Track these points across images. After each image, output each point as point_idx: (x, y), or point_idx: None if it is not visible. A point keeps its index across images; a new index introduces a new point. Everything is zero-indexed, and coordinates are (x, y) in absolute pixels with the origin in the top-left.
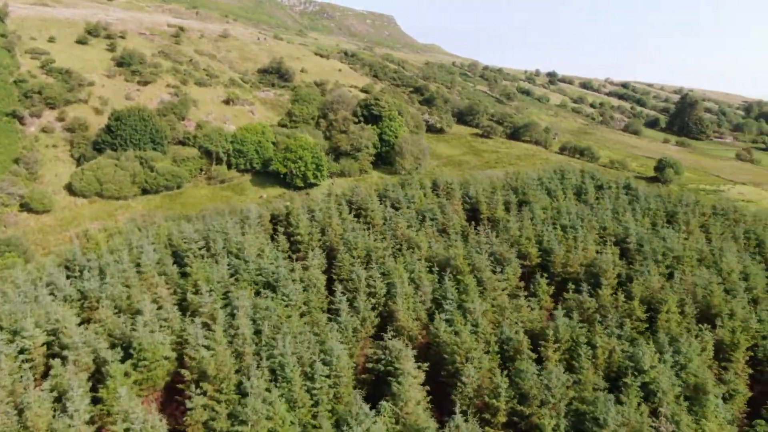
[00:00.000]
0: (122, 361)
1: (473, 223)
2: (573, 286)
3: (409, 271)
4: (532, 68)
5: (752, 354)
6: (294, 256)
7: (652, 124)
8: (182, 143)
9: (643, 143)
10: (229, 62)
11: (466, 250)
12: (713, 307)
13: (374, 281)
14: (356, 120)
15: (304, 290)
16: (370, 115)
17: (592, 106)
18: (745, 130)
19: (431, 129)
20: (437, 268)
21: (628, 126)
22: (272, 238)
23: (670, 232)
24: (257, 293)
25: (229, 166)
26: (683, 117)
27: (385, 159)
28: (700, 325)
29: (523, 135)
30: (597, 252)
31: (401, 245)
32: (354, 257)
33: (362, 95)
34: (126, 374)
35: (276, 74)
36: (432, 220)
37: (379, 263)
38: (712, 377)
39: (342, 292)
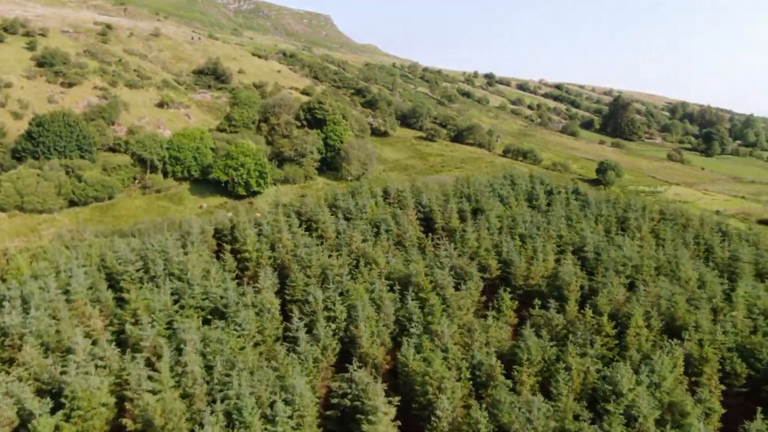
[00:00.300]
0: (52, 412)
1: (429, 234)
2: (539, 302)
3: (369, 291)
4: (470, 70)
5: (719, 367)
6: (244, 279)
7: (587, 125)
8: (113, 150)
9: (581, 145)
10: (161, 63)
11: (426, 264)
12: (678, 320)
13: (333, 304)
14: (299, 124)
15: (256, 315)
16: (313, 118)
17: (529, 107)
18: (672, 131)
19: (375, 132)
20: (398, 287)
21: (565, 128)
22: (217, 256)
23: (624, 239)
24: (205, 321)
25: (165, 175)
26: (616, 118)
27: (330, 164)
28: (670, 341)
29: (467, 138)
30: (557, 263)
31: (358, 261)
32: (308, 276)
33: (304, 98)
34: (57, 429)
35: (212, 76)
36: (387, 231)
37: (336, 282)
38: (690, 399)
39: (299, 318)
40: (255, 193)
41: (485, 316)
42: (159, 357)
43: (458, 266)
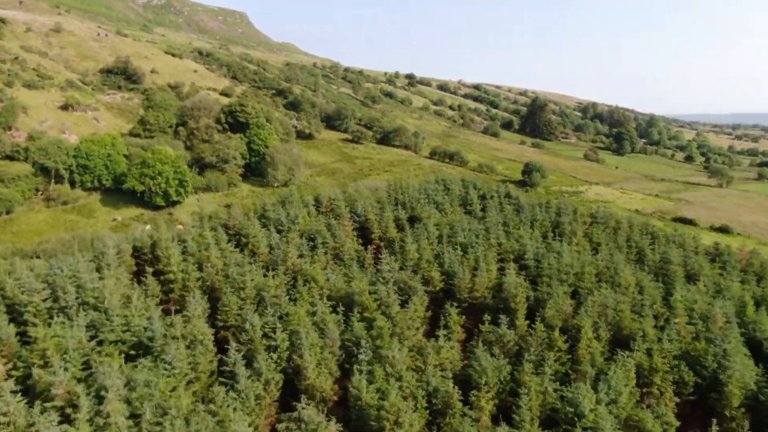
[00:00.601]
0: None
1: (367, 245)
2: (488, 317)
3: (311, 314)
4: (391, 70)
5: (668, 377)
6: (171, 307)
7: (507, 125)
8: (10, 158)
9: (503, 145)
10: (64, 61)
11: (367, 278)
12: (624, 329)
13: (273, 330)
14: (221, 128)
15: (188, 349)
16: (235, 122)
17: (451, 108)
18: (585, 131)
19: (300, 135)
20: (341, 307)
21: (487, 128)
22: (138, 280)
23: (562, 245)
24: (128, 358)
25: (73, 185)
26: (534, 119)
27: (255, 170)
28: (622, 353)
29: (393, 140)
30: (500, 273)
31: (295, 279)
32: (242, 299)
33: (223, 99)
34: None
35: (122, 75)
36: (323, 244)
37: (274, 305)
38: (649, 415)
39: (236, 349)
40: (175, 203)
41: (436, 336)
42: (75, 407)
43: (401, 281)
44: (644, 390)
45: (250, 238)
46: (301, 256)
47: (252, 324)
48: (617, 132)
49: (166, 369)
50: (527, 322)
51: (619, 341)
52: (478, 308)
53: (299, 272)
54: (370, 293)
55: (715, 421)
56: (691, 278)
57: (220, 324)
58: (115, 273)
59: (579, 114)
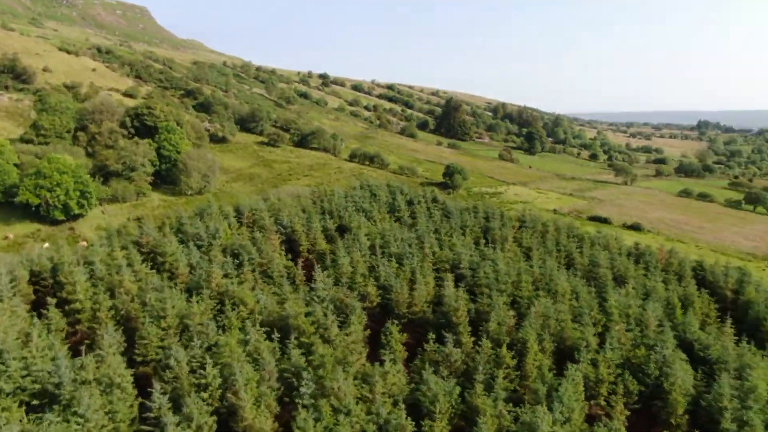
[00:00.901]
0: None
1: (296, 259)
2: (433, 335)
3: (243, 343)
4: (304, 69)
5: (615, 388)
6: (78, 341)
7: (422, 126)
8: None
9: (421, 146)
10: None
11: (300, 298)
12: (567, 339)
13: (201, 365)
14: (126, 133)
15: (103, 394)
16: (143, 126)
17: (367, 108)
18: (497, 131)
19: (213, 139)
20: (276, 334)
21: (404, 129)
22: (38, 312)
23: (496, 252)
24: (31, 410)
25: None
26: (449, 119)
27: (166, 178)
28: (570, 366)
29: (311, 142)
30: (437, 285)
31: (222, 303)
32: (163, 329)
33: (127, 101)
34: None
35: (10, 74)
36: (249, 261)
37: (201, 335)
38: (604, 430)
39: (161, 391)
40: (76, 217)
41: (381, 360)
42: None
43: (338, 299)
44: (592, 402)
45: (167, 256)
46: (226, 275)
47: (177, 359)
48: (528, 132)
49: (78, 422)
50: (473, 338)
51: (563, 352)
52: (417, 323)
53: (226, 294)
54: (306, 315)
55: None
56: (618, 281)
57: (139, 359)
58: (10, 305)
59: (490, 114)
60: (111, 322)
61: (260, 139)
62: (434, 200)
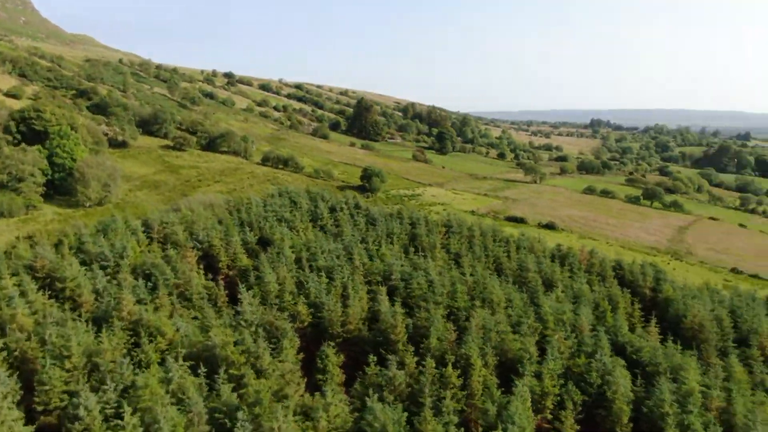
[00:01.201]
0: None
1: (216, 278)
2: (374, 358)
3: (165, 382)
4: (208, 68)
5: (559, 399)
6: None
7: (334, 126)
8: None
9: (335, 148)
10: None
11: (225, 323)
12: (509, 352)
13: (117, 412)
14: (11, 139)
15: None
16: (30, 131)
17: (276, 109)
18: (408, 131)
19: (112, 143)
20: (203, 368)
21: (316, 130)
22: None
23: (427, 261)
24: None
25: None
26: (361, 120)
27: (60, 188)
28: (519, 381)
29: (221, 145)
30: (371, 299)
31: (137, 335)
32: (68, 371)
33: (11, 102)
34: None
35: None
36: (164, 283)
37: (114, 376)
38: None
39: None
40: None
41: (321, 390)
42: None
43: (267, 322)
44: (539, 417)
45: (67, 282)
46: (139, 301)
47: (86, 406)
48: (439, 132)
49: None
50: (416, 358)
51: (506, 365)
52: (353, 342)
53: (140, 325)
54: (234, 344)
55: None
56: (547, 285)
57: (40, 409)
58: None
59: (400, 114)
60: (2, 365)
61: (165, 142)
62: (357, 206)
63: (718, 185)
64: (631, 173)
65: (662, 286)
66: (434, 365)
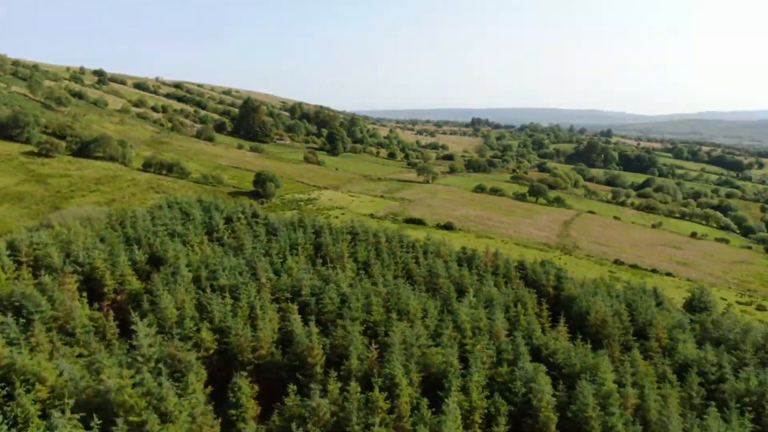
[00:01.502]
0: None
1: (102, 305)
2: (293, 386)
3: None
4: (75, 64)
5: (487, 412)
6: None
7: (219, 128)
8: None
9: (222, 151)
10: None
11: (118, 361)
12: (433, 366)
13: None
14: None
15: None
16: None
17: (155, 110)
18: (297, 131)
19: None
20: (96, 420)
21: (201, 132)
22: None
23: (337, 273)
24: None
25: None
26: (248, 121)
27: None
28: (449, 399)
29: (95, 151)
30: (281, 318)
31: (10, 383)
32: None
33: None
34: None
35: None
36: (39, 317)
37: None
38: None
39: None
40: None
41: (234, 426)
42: None
43: (168, 354)
44: None
45: None
46: (9, 342)
47: None
48: (329, 132)
49: None
50: (339, 384)
51: (430, 381)
52: (266, 369)
53: (12, 371)
54: (133, 386)
55: None
56: (458, 290)
57: None
58: None
59: (287, 114)
60: None
61: (28, 148)
62: (255, 215)
63: (591, 180)
64: (514, 170)
65: (564, 284)
66: (359, 389)
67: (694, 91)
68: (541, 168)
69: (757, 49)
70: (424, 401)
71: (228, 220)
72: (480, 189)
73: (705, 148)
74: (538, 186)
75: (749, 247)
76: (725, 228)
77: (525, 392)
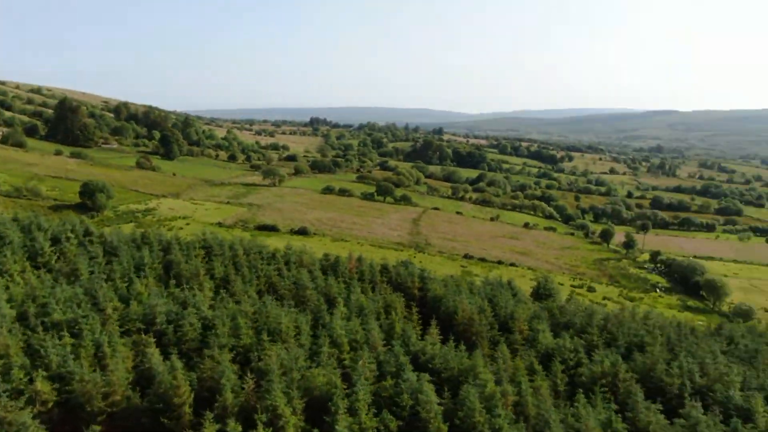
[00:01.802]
0: None
1: None
2: None
3: None
4: None
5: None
6: None
7: (31, 132)
8: None
9: (37, 158)
10: None
11: None
12: (316, 389)
13: None
14: None
15: None
16: None
17: None
18: (124, 134)
19: None
20: None
21: (8, 137)
22: None
23: (194, 293)
24: None
25: None
26: (66, 123)
27: None
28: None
29: None
30: (135, 355)
31: None
32: None
33: None
34: None
35: None
36: None
37: None
38: None
39: None
40: None
41: None
42: None
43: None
44: None
45: None
46: None
47: None
48: (163, 135)
49: None
50: (216, 425)
51: (314, 405)
52: (122, 417)
53: None
54: None
55: None
56: (327, 301)
57: None
58: None
59: (112, 115)
60: None
61: None
62: (87, 233)
63: (430, 176)
64: (359, 170)
65: (429, 284)
66: (239, 429)
67: (512, 93)
68: (384, 167)
69: (562, 55)
70: (312, 429)
71: (55, 240)
72: (328, 190)
73: (524, 144)
74: (385, 185)
75: (572, 234)
76: (550, 217)
77: (412, 404)
